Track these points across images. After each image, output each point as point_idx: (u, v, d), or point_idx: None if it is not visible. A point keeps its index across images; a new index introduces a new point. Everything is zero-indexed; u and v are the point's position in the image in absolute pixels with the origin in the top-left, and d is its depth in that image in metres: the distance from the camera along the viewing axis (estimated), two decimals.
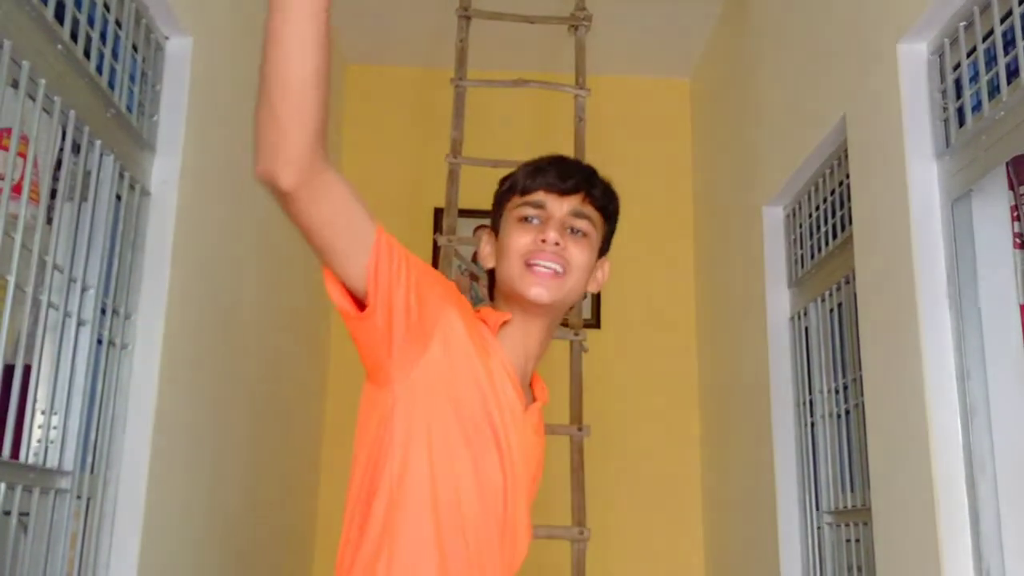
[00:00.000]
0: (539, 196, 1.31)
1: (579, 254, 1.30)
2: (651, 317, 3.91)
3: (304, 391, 3.43)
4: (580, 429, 2.71)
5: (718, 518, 3.52)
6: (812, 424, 2.72)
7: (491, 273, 1.36)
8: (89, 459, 1.79)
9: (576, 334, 2.86)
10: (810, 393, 2.74)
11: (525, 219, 1.30)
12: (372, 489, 1.17)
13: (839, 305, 2.55)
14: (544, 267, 1.27)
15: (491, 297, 1.39)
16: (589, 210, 1.32)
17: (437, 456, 1.16)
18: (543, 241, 1.27)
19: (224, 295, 2.41)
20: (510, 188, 1.35)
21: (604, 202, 1.35)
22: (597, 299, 3.89)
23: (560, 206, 1.30)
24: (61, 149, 1.71)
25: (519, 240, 1.29)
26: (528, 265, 1.27)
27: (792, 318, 2.87)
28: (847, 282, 2.45)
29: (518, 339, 1.31)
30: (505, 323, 1.31)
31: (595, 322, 3.84)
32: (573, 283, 1.30)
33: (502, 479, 1.23)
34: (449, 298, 1.23)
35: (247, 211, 2.60)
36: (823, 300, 2.64)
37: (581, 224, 1.32)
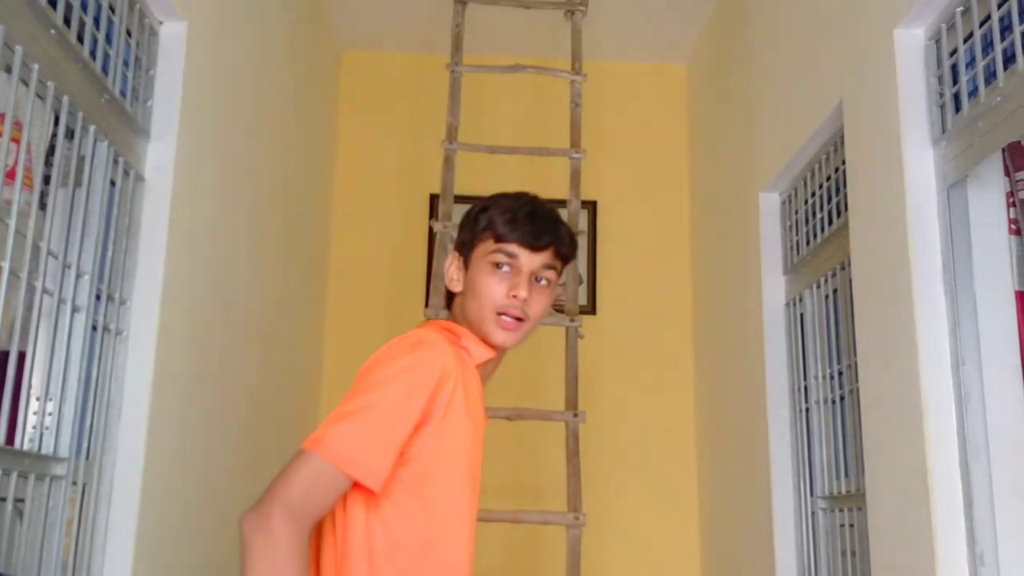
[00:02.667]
0: (513, 248, 1.45)
1: (540, 306, 1.47)
2: (647, 303, 3.91)
3: (299, 375, 3.43)
4: (576, 415, 2.71)
5: (713, 503, 3.53)
6: (807, 410, 2.72)
7: (452, 294, 1.51)
8: (84, 445, 1.79)
9: (572, 320, 2.86)
10: (805, 379, 2.74)
11: (497, 265, 1.45)
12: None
13: (834, 291, 2.56)
14: (510, 319, 1.44)
15: (448, 307, 1.54)
16: (556, 262, 1.49)
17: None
18: (514, 296, 1.43)
19: (219, 280, 2.40)
20: (486, 227, 1.47)
21: (568, 252, 1.51)
22: (593, 286, 3.89)
23: (531, 260, 1.45)
24: (55, 135, 1.70)
25: (492, 290, 1.44)
26: (497, 315, 1.44)
27: (787, 304, 2.87)
28: (843, 268, 2.45)
29: (487, 366, 1.50)
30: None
31: (591, 308, 3.84)
32: (530, 328, 1.47)
33: None
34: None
35: (242, 196, 2.60)
36: (818, 286, 2.64)
37: (548, 274, 1.48)
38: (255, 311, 2.75)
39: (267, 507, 1.19)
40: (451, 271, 1.50)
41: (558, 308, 3.02)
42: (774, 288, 2.91)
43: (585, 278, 3.88)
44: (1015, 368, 1.84)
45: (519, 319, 1.44)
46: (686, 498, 3.72)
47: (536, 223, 1.47)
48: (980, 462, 1.79)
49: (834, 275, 2.53)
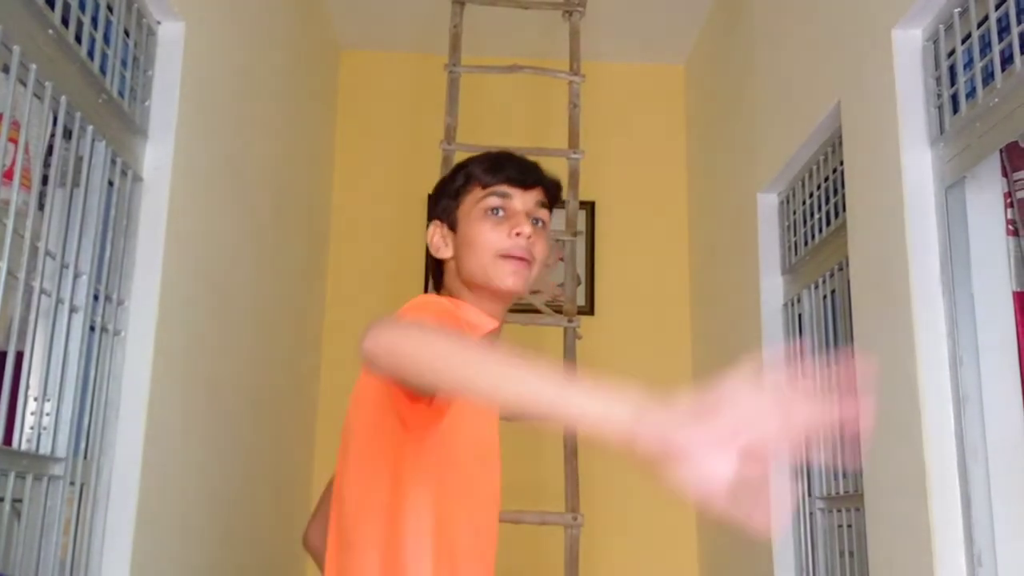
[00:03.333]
0: (504, 188, 1.38)
1: (542, 246, 1.39)
2: (645, 304, 3.91)
3: (298, 376, 3.43)
4: None
5: None
6: None
7: (439, 263, 1.42)
8: (82, 445, 1.78)
9: (570, 321, 2.86)
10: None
11: (491, 211, 1.37)
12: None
13: (832, 292, 2.56)
14: (516, 259, 1.34)
15: (437, 287, 1.44)
16: (546, 201, 1.42)
17: None
18: (517, 235, 1.35)
19: (217, 281, 2.40)
20: (467, 181, 1.40)
21: (556, 193, 1.45)
22: (591, 286, 3.89)
23: (524, 199, 1.38)
24: (52, 135, 1.70)
25: (491, 234, 1.35)
26: (502, 258, 1.34)
27: (786, 305, 2.87)
28: (840, 269, 2.45)
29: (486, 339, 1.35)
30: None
31: (589, 309, 3.84)
32: (536, 272, 1.38)
33: None
34: None
35: (240, 197, 2.59)
36: (816, 287, 2.64)
37: (543, 214, 1.41)
38: (253, 311, 2.75)
39: (381, 323, 1.03)
40: (435, 239, 1.41)
41: (556, 309, 3.02)
42: (772, 289, 2.91)
43: (583, 279, 3.88)
44: (1013, 369, 1.84)
45: (526, 262, 1.35)
46: (684, 498, 3.71)
47: (520, 163, 1.42)
48: (978, 463, 1.79)
49: (832, 276, 2.53)
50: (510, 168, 1.39)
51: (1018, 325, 1.87)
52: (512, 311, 2.91)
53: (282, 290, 3.12)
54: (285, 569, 3.27)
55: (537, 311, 3.03)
